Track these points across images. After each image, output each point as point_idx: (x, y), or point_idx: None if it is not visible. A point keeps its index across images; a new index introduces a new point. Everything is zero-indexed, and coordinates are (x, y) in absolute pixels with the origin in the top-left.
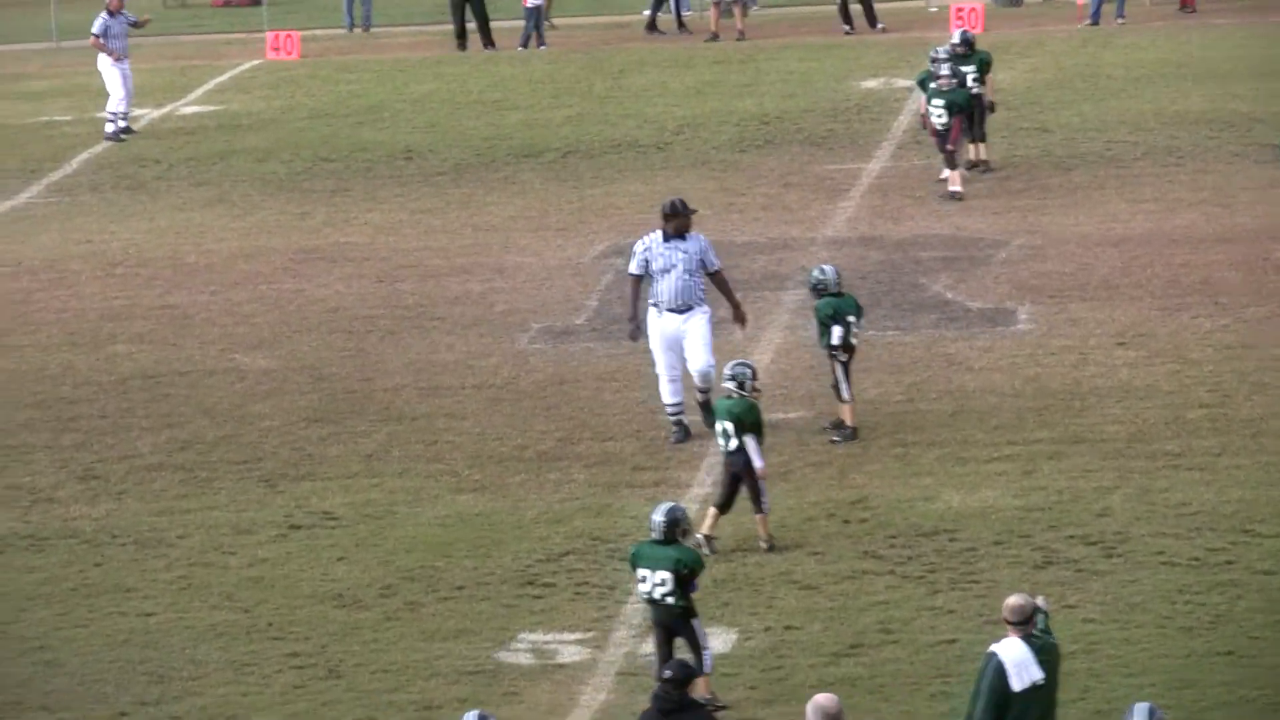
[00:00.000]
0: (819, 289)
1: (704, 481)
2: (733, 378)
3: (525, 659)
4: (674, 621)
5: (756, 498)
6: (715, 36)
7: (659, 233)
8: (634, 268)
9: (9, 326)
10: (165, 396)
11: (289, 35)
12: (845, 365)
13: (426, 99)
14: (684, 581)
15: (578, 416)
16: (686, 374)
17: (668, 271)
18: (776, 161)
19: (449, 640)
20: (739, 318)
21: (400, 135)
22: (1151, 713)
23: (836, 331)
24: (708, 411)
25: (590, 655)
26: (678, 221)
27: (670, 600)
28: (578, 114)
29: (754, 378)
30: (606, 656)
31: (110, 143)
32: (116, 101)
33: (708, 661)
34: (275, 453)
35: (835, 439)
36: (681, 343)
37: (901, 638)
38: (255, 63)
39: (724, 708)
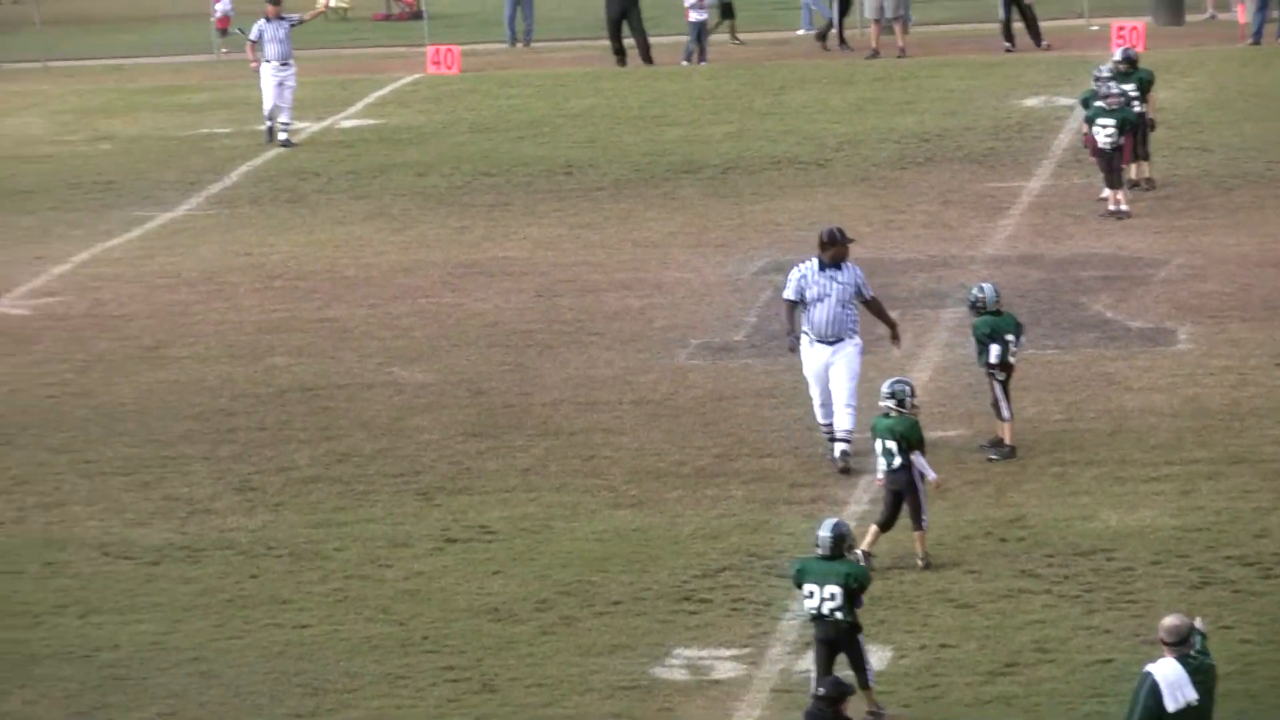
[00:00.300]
0: (977, 307)
1: (861, 499)
2: (892, 395)
3: (680, 675)
4: (840, 637)
5: (917, 515)
6: (876, 53)
7: (815, 260)
8: (789, 293)
9: (168, 338)
10: (323, 409)
11: (449, 50)
12: (1003, 384)
13: (587, 114)
14: (853, 596)
15: (736, 433)
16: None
17: (821, 301)
18: (937, 179)
19: (604, 655)
20: (895, 337)
21: (560, 150)
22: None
23: (994, 350)
24: (844, 459)
25: (745, 671)
26: (835, 250)
27: (839, 615)
28: (738, 130)
29: (912, 394)
30: (762, 673)
31: (282, 149)
32: (268, 108)
33: (870, 677)
34: (432, 466)
35: (993, 457)
36: (830, 372)
37: (1057, 657)
38: (416, 77)
39: (879, 715)
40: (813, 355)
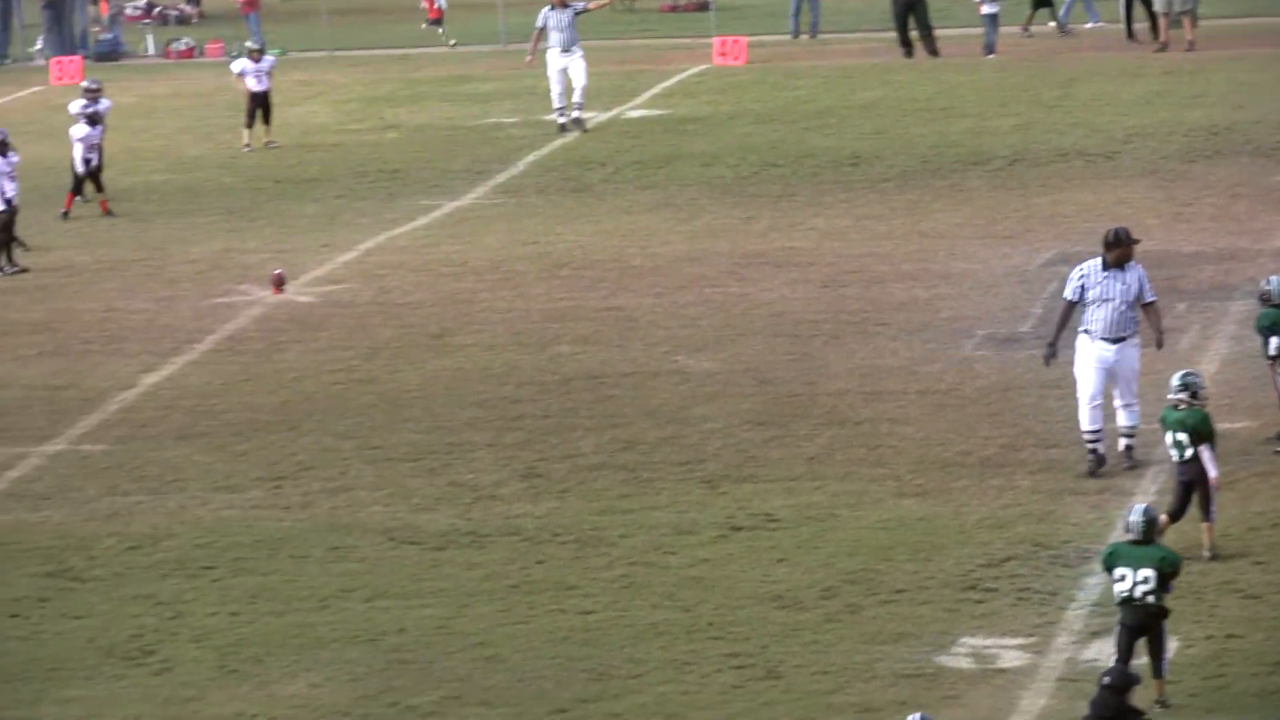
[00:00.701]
0: (1264, 299)
1: (1148, 490)
2: (1185, 386)
3: (965, 663)
4: (1148, 622)
5: (1206, 506)
6: (1164, 47)
7: (1098, 260)
8: (1068, 294)
9: (454, 326)
10: (609, 397)
11: (735, 41)
12: None
13: (874, 105)
14: (1165, 580)
15: (1022, 423)
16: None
17: (1104, 302)
18: (1225, 172)
19: (889, 643)
20: (1158, 343)
21: (847, 141)
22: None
23: (1274, 342)
24: (1130, 456)
25: (1031, 660)
26: (1119, 251)
27: (1150, 599)
28: (1025, 122)
29: (1203, 386)
30: (1047, 662)
31: (574, 133)
32: (557, 96)
33: (1165, 666)
34: (718, 454)
35: None
36: (1111, 371)
37: None
38: (702, 67)
39: (1166, 705)
40: (1092, 351)
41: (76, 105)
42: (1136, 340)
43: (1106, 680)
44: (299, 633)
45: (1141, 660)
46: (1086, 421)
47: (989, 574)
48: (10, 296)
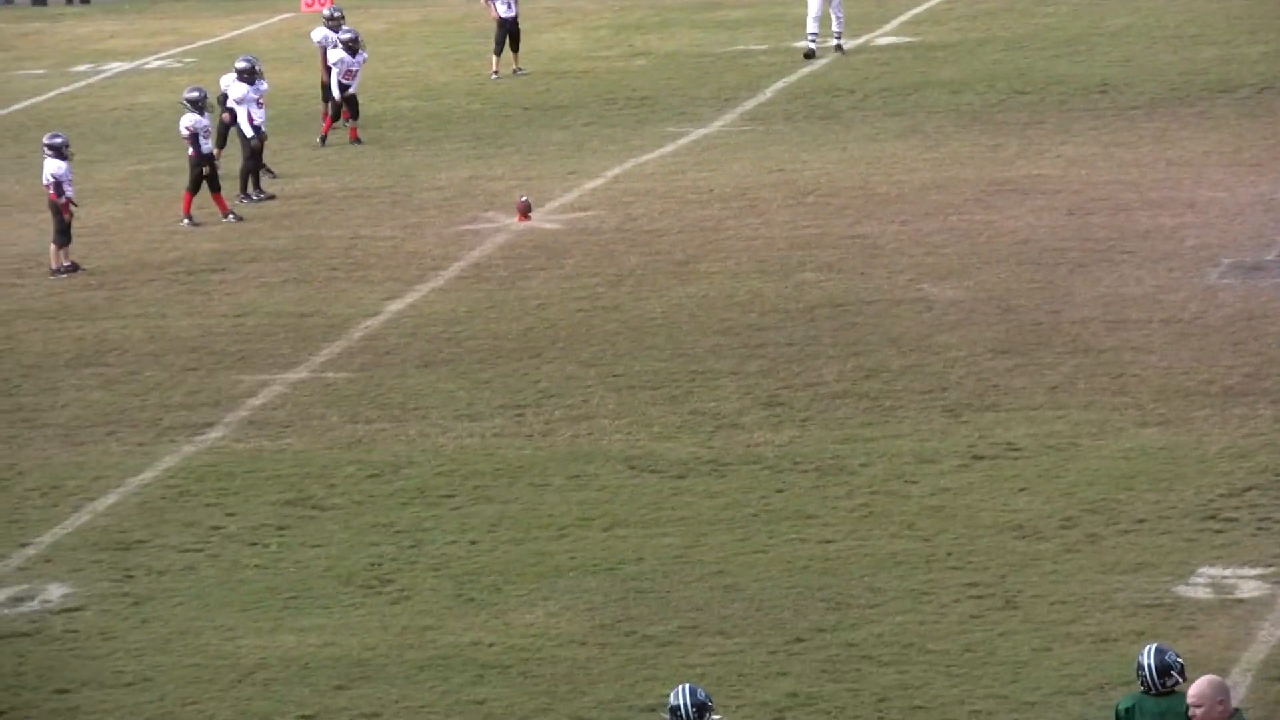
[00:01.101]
0: None
1: None
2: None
3: (1204, 593)
4: None
5: None
6: None
7: None
8: None
9: (699, 253)
10: (852, 325)
11: None
12: None
13: (1123, 33)
14: None
15: (1266, 352)
16: None
17: None
18: None
19: (1128, 573)
20: None
21: (1095, 69)
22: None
23: None
24: None
25: (1270, 591)
26: None
27: None
28: (1274, 50)
29: None
30: None
31: (836, 55)
32: (811, 20)
33: None
34: (960, 383)
35: None
36: None
37: None
38: None
39: None
40: None
41: (319, 33)
42: None
43: None
44: (537, 561)
45: None
46: None
47: (1229, 504)
48: (257, 224)
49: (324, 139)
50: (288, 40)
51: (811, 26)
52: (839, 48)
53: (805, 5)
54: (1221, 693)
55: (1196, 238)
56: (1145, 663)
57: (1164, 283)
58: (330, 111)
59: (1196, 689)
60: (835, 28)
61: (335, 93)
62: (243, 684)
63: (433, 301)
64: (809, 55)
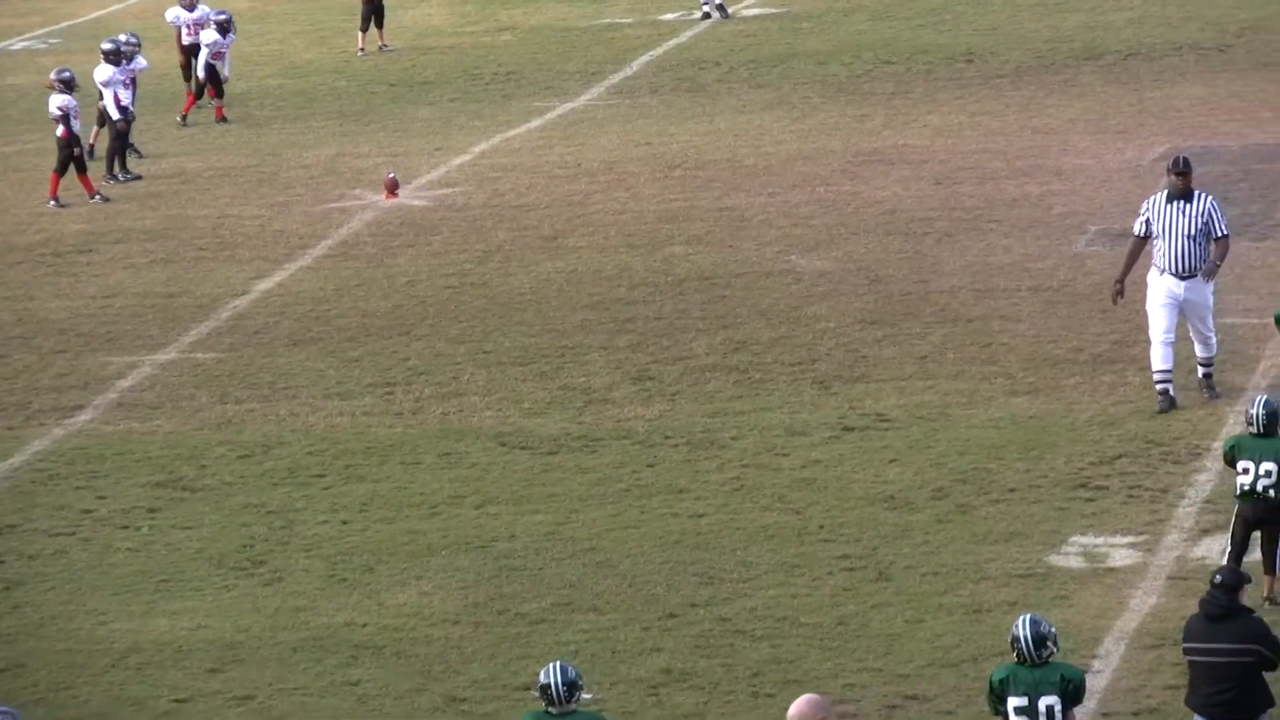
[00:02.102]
0: None
1: (1259, 385)
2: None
3: (1076, 562)
4: (1267, 515)
5: None
6: None
7: (1162, 192)
8: (1135, 228)
9: (567, 228)
10: (721, 298)
11: None
12: None
13: (988, 1)
14: None
15: (1134, 319)
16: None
17: (1167, 235)
18: None
19: (1000, 543)
20: (1205, 270)
21: (961, 38)
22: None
23: None
24: (1209, 386)
25: (1141, 559)
26: (1177, 179)
27: (1271, 493)
28: (1139, 16)
29: None
30: (1157, 560)
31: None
32: None
33: (1279, 562)
34: (829, 354)
35: None
36: (1180, 305)
37: None
38: None
39: (1276, 602)
40: (1160, 285)
41: (171, 13)
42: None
43: (1217, 578)
44: (409, 540)
45: (1253, 557)
46: (1157, 360)
47: (1100, 472)
48: (124, 204)
49: (184, 118)
50: (153, 20)
51: None
52: (722, 10)
53: None
54: (823, 710)
55: (1064, 206)
56: (1020, 634)
57: (1032, 251)
58: (194, 89)
59: (796, 709)
60: None
61: (202, 72)
62: (115, 668)
63: (301, 280)
64: (706, 16)
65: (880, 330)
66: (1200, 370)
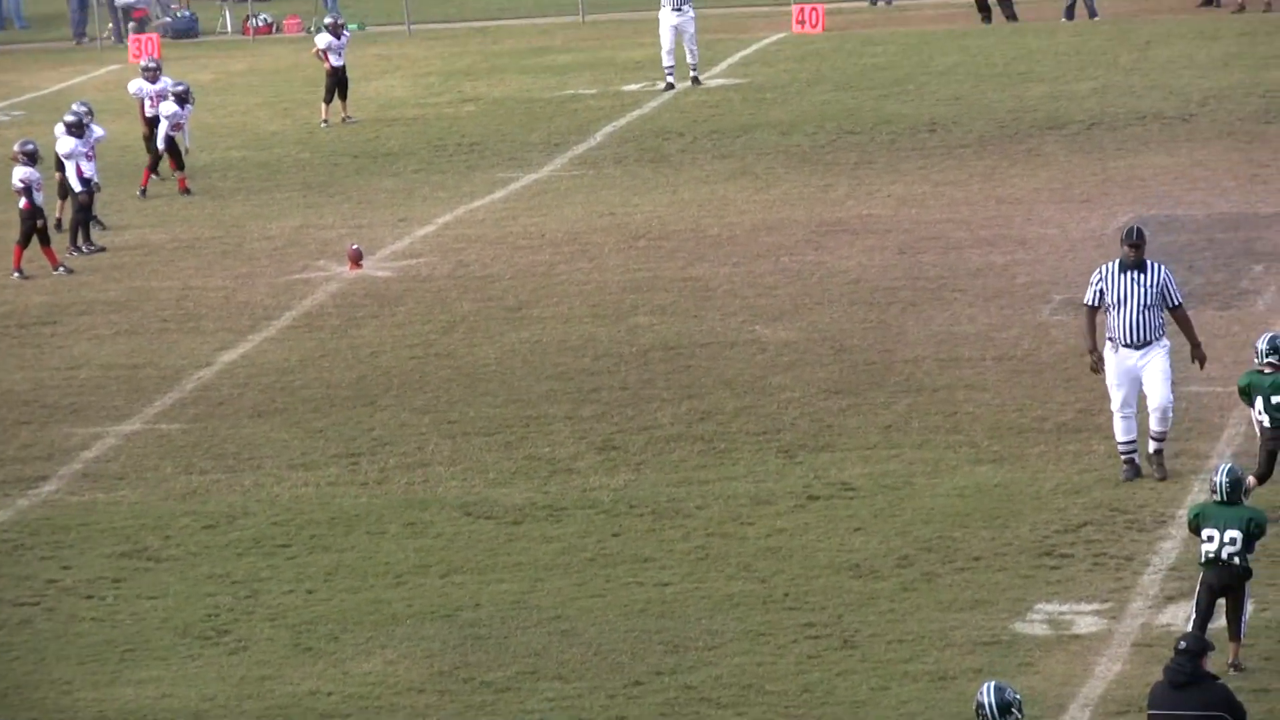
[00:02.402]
0: None
1: (1223, 453)
2: (1276, 350)
3: (1041, 629)
4: (1232, 582)
5: None
6: (1242, 7)
7: (1115, 262)
8: (1087, 299)
9: (532, 298)
10: (686, 368)
11: (814, 9)
12: None
13: (951, 71)
14: (1251, 541)
15: (1098, 388)
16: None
17: (1122, 305)
18: None
19: (965, 611)
20: (1197, 357)
21: (924, 108)
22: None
23: None
24: (1160, 465)
25: (1106, 626)
26: (1131, 250)
27: (1236, 560)
28: (1102, 86)
29: None
30: (1122, 627)
31: (690, 85)
32: (665, 54)
33: (1243, 629)
34: (794, 424)
35: None
36: (1139, 378)
37: None
38: (780, 36)
39: (1240, 669)
40: (1118, 360)
41: (134, 85)
42: (1165, 344)
43: (1181, 645)
44: (374, 609)
45: (1217, 624)
46: (1120, 432)
47: (1064, 540)
48: (88, 276)
49: (143, 191)
50: (115, 92)
51: (667, 60)
52: (695, 80)
53: (657, 44)
54: None
55: (1028, 275)
56: (985, 700)
57: (996, 320)
58: (151, 164)
59: None
60: (690, 60)
61: (161, 144)
62: None
63: (265, 351)
64: (670, 87)
65: (845, 400)
66: (1152, 445)
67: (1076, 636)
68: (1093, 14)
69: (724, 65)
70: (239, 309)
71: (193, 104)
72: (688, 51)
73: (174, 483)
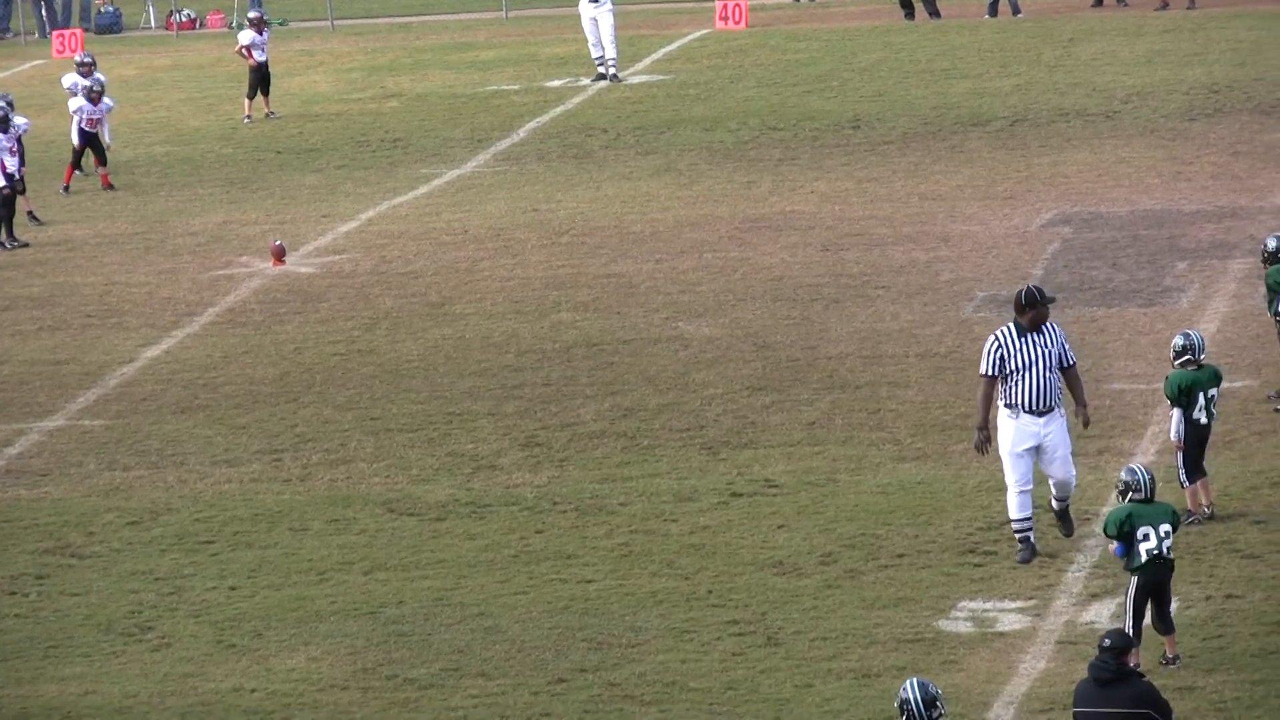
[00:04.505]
0: (1276, 257)
1: (1147, 450)
2: (1197, 347)
3: (965, 627)
4: (1168, 576)
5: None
6: (1165, 5)
7: (1011, 326)
8: (985, 368)
9: (455, 295)
10: (609, 364)
11: (738, 5)
12: None
13: (874, 68)
14: (1175, 531)
15: None
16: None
17: (1027, 370)
18: (1225, 130)
19: (889, 608)
20: (1084, 419)
21: (848, 104)
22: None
23: None
24: (1065, 521)
25: (1030, 623)
26: (1035, 313)
27: (1170, 553)
28: (1026, 83)
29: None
30: (1046, 625)
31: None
32: (591, 47)
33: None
34: (718, 420)
35: None
36: (1039, 449)
37: None
38: (704, 32)
39: (1173, 662)
40: (1019, 429)
41: (69, 79)
42: (1063, 412)
43: (1106, 642)
44: (298, 606)
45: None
46: (1015, 509)
47: (988, 537)
48: (11, 271)
49: (66, 187)
50: (39, 87)
51: (594, 52)
52: (613, 77)
53: (579, 39)
54: None
55: (951, 272)
56: (910, 696)
57: (919, 317)
58: (73, 160)
59: None
60: (610, 54)
61: (75, 140)
62: None
63: (188, 347)
64: (600, 78)
65: (768, 396)
66: (1055, 505)
67: (1001, 634)
68: (1016, 11)
69: (647, 61)
70: (162, 305)
71: (110, 100)
72: (606, 46)
73: (97, 479)
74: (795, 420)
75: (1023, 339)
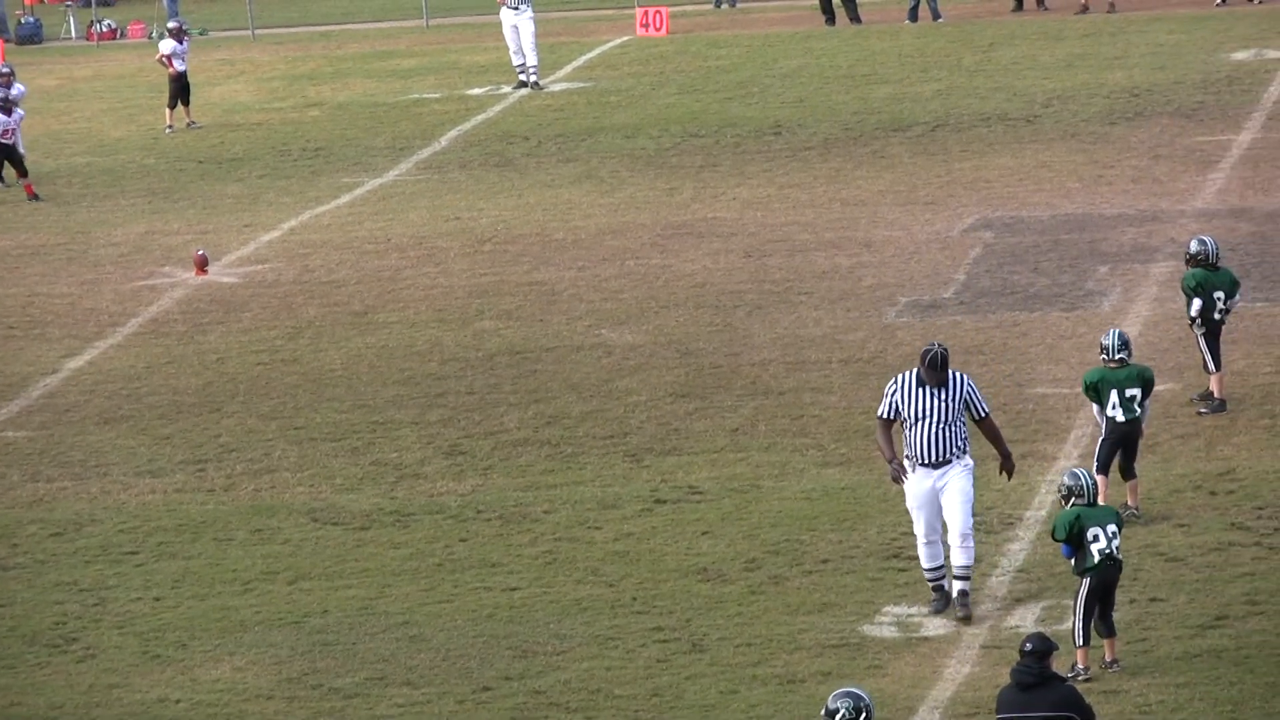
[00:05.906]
0: (1197, 259)
1: (1070, 454)
2: (1126, 344)
3: (889, 632)
4: (1117, 577)
5: (1132, 463)
6: (1085, 9)
7: (912, 373)
8: (881, 410)
9: (378, 303)
10: (532, 372)
11: (658, 11)
12: (1205, 337)
13: (795, 74)
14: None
15: None
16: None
17: (920, 421)
18: (1146, 134)
19: (813, 614)
20: (1006, 469)
21: (769, 110)
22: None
23: (1195, 304)
24: (964, 604)
25: (955, 628)
26: (933, 376)
27: (1119, 554)
28: (946, 87)
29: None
30: (970, 630)
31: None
32: (512, 54)
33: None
34: (641, 427)
35: (1202, 410)
36: (938, 501)
37: (1268, 609)
38: (624, 39)
39: (1112, 666)
40: (915, 482)
41: None
42: (967, 462)
43: (1027, 646)
44: (222, 616)
45: (1061, 626)
46: (924, 559)
47: (912, 542)
48: None
49: None
50: None
51: (515, 60)
52: (533, 84)
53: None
54: None
55: (873, 277)
56: (838, 706)
57: (842, 323)
58: None
59: None
60: (531, 62)
61: None
62: None
63: (111, 358)
64: (521, 86)
65: (691, 403)
66: (956, 585)
67: (925, 639)
68: (936, 16)
69: (568, 69)
70: (85, 315)
71: (22, 110)
72: (527, 53)
73: (20, 490)
74: (719, 427)
75: (920, 389)
